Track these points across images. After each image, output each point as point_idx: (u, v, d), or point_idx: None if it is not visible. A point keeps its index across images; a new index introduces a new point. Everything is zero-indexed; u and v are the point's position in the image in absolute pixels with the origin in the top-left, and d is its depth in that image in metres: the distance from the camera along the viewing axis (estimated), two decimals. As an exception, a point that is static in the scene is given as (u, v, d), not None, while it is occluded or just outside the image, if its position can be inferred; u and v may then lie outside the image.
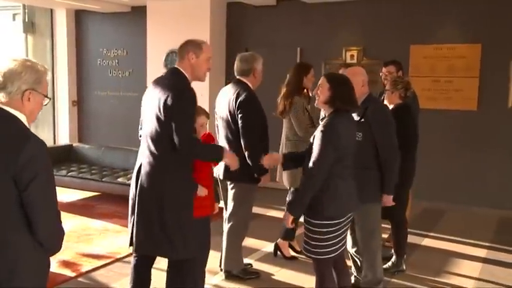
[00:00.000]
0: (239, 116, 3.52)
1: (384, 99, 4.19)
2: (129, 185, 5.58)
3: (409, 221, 4.24)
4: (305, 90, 4.25)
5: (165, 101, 2.69)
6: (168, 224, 2.74)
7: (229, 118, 3.59)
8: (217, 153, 2.91)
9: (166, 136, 2.69)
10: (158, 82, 2.84)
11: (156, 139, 2.74)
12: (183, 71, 2.81)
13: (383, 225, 4.74)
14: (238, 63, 3.71)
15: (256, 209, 5.17)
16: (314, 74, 4.26)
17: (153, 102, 2.77)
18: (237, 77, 3.71)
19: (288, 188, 4.23)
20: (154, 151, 2.75)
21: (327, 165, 2.70)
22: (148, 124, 2.80)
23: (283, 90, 4.20)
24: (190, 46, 2.84)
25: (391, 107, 3.95)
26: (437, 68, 6.13)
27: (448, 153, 6.19)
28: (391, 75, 4.58)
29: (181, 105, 2.67)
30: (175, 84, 2.74)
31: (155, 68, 7.23)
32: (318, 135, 2.74)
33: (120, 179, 5.94)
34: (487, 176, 6.04)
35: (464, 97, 6.03)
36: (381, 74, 4.86)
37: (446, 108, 6.11)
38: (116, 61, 8.03)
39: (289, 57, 6.67)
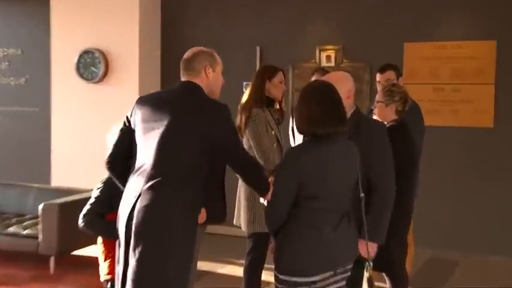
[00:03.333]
0: None
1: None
2: (25, 236, 5.55)
3: (410, 275, 4.24)
4: (275, 101, 4.34)
5: (212, 126, 2.98)
6: (177, 259, 2.94)
7: None
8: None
9: (201, 166, 2.99)
10: (177, 103, 3.05)
11: (181, 169, 2.97)
12: (200, 86, 3.09)
13: (376, 282, 4.78)
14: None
15: (204, 264, 5.17)
16: (284, 79, 4.38)
17: (175, 127, 2.98)
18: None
19: (246, 233, 4.29)
20: (167, 183, 2.95)
21: (285, 195, 2.79)
22: (162, 153, 2.98)
23: (242, 100, 4.31)
24: (206, 58, 3.14)
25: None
26: (440, 72, 6.22)
27: (457, 185, 6.22)
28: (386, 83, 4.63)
29: (230, 127, 3.09)
30: (210, 103, 3.07)
31: (63, 73, 7.24)
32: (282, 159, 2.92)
33: (11, 229, 5.74)
34: (508, 215, 6.10)
35: (477, 110, 6.10)
36: (377, 84, 4.95)
37: (452, 124, 6.18)
38: (7, 63, 7.87)
39: (245, 60, 6.78)
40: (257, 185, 3.30)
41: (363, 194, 3.02)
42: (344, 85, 3.20)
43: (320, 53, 6.63)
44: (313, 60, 6.64)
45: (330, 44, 6.60)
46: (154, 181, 2.91)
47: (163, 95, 3.19)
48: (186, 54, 3.18)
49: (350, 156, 2.89)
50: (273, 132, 4.26)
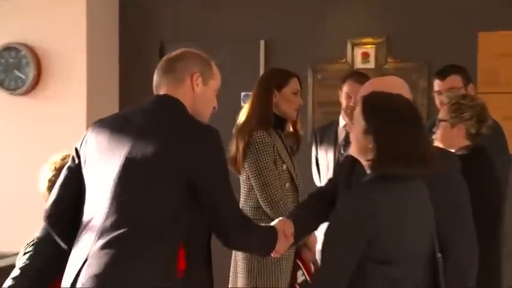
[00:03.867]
0: None
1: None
2: None
3: None
4: (287, 121, 4.47)
5: (193, 159, 2.97)
6: None
7: None
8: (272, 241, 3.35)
9: (180, 216, 2.98)
10: (145, 126, 3.06)
11: (149, 219, 2.95)
12: (182, 102, 3.11)
13: None
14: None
15: None
16: (299, 89, 4.48)
17: (139, 160, 2.99)
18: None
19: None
20: (129, 238, 2.93)
21: (347, 260, 2.80)
22: (121, 196, 2.97)
23: (239, 120, 4.40)
24: (197, 63, 3.20)
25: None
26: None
27: None
28: (451, 93, 4.71)
29: (219, 163, 3.08)
30: (193, 126, 3.07)
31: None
32: (338, 208, 2.89)
33: None
34: None
35: None
36: (433, 95, 5.02)
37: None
38: None
39: (245, 60, 6.81)
40: (251, 251, 3.50)
41: (440, 255, 3.05)
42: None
43: (353, 49, 6.63)
44: (343, 60, 6.64)
45: (368, 36, 6.61)
46: (110, 236, 2.89)
47: (128, 116, 3.18)
48: (171, 53, 3.24)
49: (423, 200, 2.95)
50: (284, 167, 4.34)
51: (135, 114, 3.12)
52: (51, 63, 6.94)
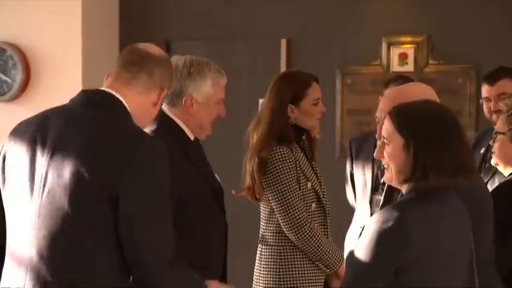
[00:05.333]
0: None
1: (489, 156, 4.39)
2: None
3: None
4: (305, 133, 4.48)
5: (112, 174, 2.79)
6: None
7: None
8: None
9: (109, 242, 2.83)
10: (65, 133, 2.84)
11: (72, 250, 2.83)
12: (124, 103, 2.95)
13: None
14: None
15: None
16: (320, 96, 4.41)
17: (51, 189, 2.82)
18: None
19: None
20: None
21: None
22: (48, 233, 2.83)
23: (252, 134, 4.38)
24: (171, 76, 3.15)
25: (507, 171, 4.01)
26: None
27: None
28: (504, 101, 4.72)
29: (154, 180, 2.86)
30: (129, 131, 2.90)
31: None
32: (367, 230, 2.79)
33: None
34: None
35: None
36: (481, 101, 5.04)
37: None
38: None
39: (263, 62, 6.82)
40: None
41: None
42: None
43: (389, 50, 6.62)
44: (377, 62, 6.65)
45: (407, 34, 6.63)
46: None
47: (48, 119, 2.94)
48: (150, 48, 3.07)
49: (463, 223, 2.90)
50: (309, 185, 4.30)
51: (59, 113, 2.93)
52: (42, 66, 6.95)
